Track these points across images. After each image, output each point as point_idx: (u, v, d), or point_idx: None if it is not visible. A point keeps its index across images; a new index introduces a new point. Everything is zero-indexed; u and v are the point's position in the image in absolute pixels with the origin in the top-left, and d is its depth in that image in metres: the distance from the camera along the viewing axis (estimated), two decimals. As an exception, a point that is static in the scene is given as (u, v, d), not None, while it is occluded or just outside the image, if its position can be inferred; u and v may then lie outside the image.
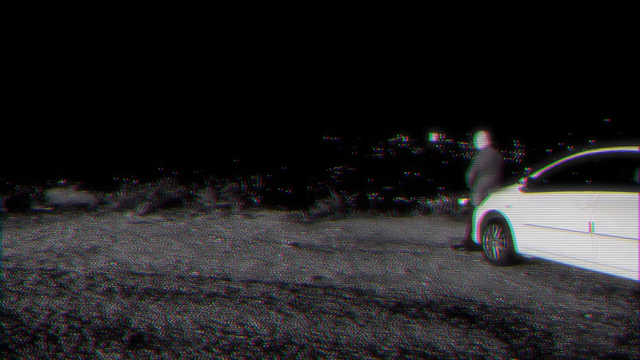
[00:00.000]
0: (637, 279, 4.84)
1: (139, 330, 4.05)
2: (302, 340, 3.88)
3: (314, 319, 4.38)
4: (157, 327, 4.12)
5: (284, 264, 6.71)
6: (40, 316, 4.35)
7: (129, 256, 7.09)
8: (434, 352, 3.69)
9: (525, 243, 6.39)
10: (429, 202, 13.69)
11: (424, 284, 5.79)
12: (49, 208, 12.15)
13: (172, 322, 4.25)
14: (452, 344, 3.87)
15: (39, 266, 6.35)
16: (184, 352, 3.63)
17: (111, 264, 6.59)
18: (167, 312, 4.51)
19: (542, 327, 4.31)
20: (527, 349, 3.82)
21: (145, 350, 3.64)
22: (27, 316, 4.34)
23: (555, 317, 4.58)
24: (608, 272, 5.29)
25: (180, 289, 5.32)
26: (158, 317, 4.37)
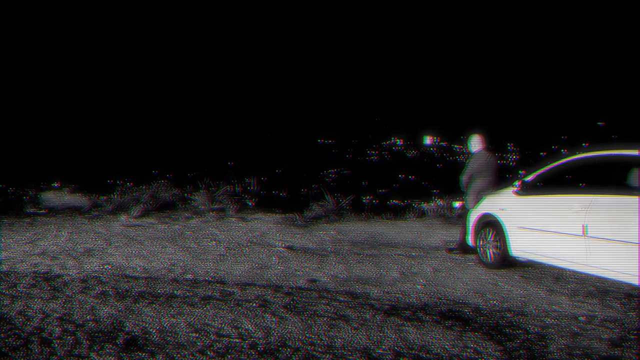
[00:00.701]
0: (636, 283, 4.84)
1: (133, 333, 4.04)
2: (297, 343, 3.88)
3: (309, 321, 4.38)
4: (151, 330, 4.11)
5: (279, 267, 6.71)
6: (34, 319, 4.33)
7: (123, 259, 7.07)
8: (428, 355, 3.70)
9: (520, 246, 6.42)
10: (424, 205, 13.73)
11: (419, 286, 5.80)
12: (43, 211, 12.10)
13: (167, 325, 4.24)
14: (446, 346, 3.87)
15: (33, 269, 6.33)
16: (178, 355, 3.62)
17: (105, 267, 6.57)
18: (162, 315, 4.49)
19: (536, 329, 4.33)
20: (521, 351, 3.83)
21: (140, 354, 3.63)
22: (20, 319, 4.32)
23: (549, 320, 4.59)
24: (602, 275, 5.32)
25: (175, 292, 5.31)
26: (152, 320, 4.36)
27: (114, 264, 6.76)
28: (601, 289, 5.68)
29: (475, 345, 3.90)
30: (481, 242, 7.06)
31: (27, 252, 7.50)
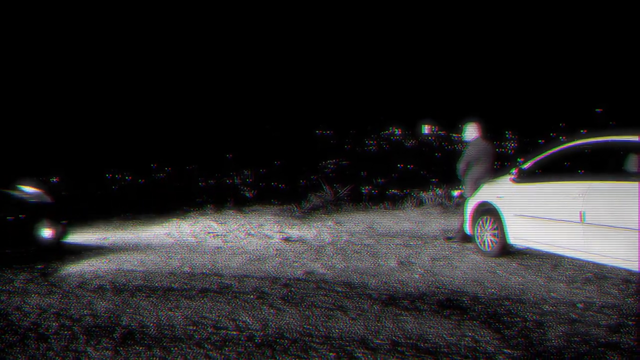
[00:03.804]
0: (636, 269, 4.82)
1: (130, 327, 4.03)
2: (294, 335, 3.87)
3: (306, 313, 4.37)
4: (148, 323, 4.10)
5: (276, 259, 6.70)
6: (31, 315, 4.32)
7: (120, 253, 7.05)
8: (426, 344, 3.69)
9: (517, 234, 6.40)
10: (422, 194, 13.69)
11: (416, 276, 5.79)
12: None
13: (164, 318, 4.23)
14: (444, 335, 3.87)
15: (30, 265, 6.30)
16: (176, 348, 3.61)
17: (102, 261, 6.56)
18: (159, 308, 4.49)
19: (534, 317, 4.32)
20: (519, 339, 3.82)
21: (137, 347, 3.62)
22: (17, 315, 4.32)
23: (547, 307, 4.59)
24: (600, 262, 5.30)
25: (172, 285, 5.30)
26: (149, 313, 4.35)
27: (111, 258, 6.75)
28: (599, 276, 5.67)
29: (473, 334, 3.89)
30: (479, 230, 7.04)
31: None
